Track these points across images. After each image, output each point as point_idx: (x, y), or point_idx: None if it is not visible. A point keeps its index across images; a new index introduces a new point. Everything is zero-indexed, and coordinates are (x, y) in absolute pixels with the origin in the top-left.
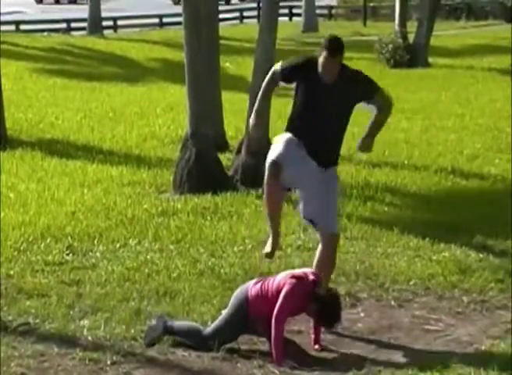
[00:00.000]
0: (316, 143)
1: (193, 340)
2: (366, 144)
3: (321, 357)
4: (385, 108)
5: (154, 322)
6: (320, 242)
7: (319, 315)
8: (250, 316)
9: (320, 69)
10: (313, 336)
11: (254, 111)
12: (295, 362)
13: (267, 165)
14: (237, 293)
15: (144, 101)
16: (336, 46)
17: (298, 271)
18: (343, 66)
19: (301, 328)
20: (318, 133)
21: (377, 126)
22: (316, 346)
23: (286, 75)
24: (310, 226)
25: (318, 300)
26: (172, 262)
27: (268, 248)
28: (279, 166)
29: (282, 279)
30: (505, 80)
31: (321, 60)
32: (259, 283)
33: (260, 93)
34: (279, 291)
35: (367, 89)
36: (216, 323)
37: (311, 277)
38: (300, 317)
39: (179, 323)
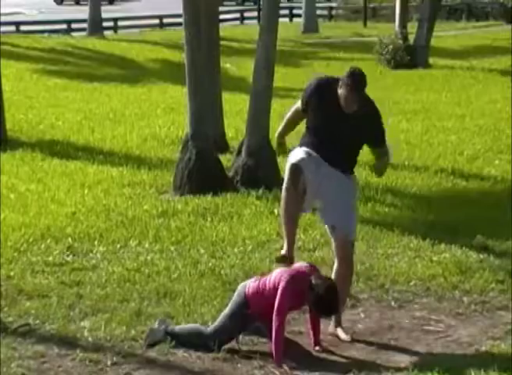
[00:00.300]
0: (331, 155)
1: (195, 341)
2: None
3: (322, 358)
4: (379, 168)
5: (155, 325)
6: (334, 251)
7: (316, 304)
8: (250, 313)
9: (340, 99)
10: (313, 337)
11: (277, 133)
12: (296, 363)
13: (287, 168)
14: (237, 291)
15: (144, 102)
16: (359, 81)
17: (293, 266)
18: (366, 97)
19: (302, 329)
20: (333, 148)
21: (388, 156)
22: (317, 347)
23: (305, 109)
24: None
25: (314, 289)
26: (173, 263)
27: (282, 252)
28: (299, 169)
29: (277, 275)
30: (505, 81)
31: (341, 91)
32: (257, 281)
33: (285, 118)
34: (275, 287)
35: (374, 137)
36: (216, 322)
37: (306, 269)
38: (301, 318)
39: (181, 327)
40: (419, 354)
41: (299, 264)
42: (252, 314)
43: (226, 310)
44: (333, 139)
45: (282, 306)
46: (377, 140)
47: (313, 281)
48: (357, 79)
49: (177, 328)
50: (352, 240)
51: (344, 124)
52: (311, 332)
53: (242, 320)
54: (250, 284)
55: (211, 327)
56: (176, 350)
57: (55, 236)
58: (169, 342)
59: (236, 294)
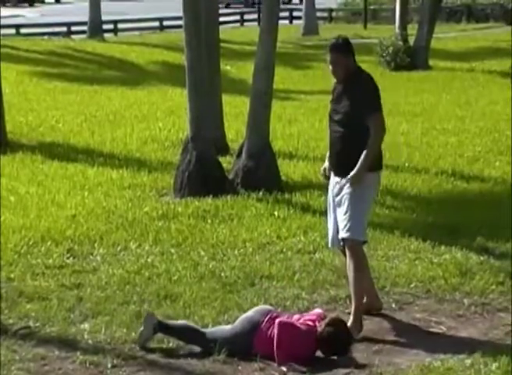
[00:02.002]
0: (331, 148)
1: (191, 336)
2: (355, 178)
3: (323, 358)
4: (373, 135)
5: (142, 326)
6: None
7: (329, 349)
8: (254, 350)
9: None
10: None
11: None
12: (296, 364)
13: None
14: (246, 320)
15: (144, 105)
16: (333, 44)
17: (308, 315)
18: (357, 70)
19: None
20: (331, 137)
21: (366, 155)
22: None
23: None
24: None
25: (323, 337)
26: (173, 265)
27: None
28: None
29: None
30: (505, 83)
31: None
32: (271, 327)
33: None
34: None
35: (364, 105)
36: (218, 335)
37: (314, 326)
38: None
39: (174, 323)
40: (419, 355)
41: (313, 313)
42: (256, 351)
43: (232, 330)
44: (331, 126)
45: (292, 325)
46: (364, 107)
47: (319, 330)
48: (335, 42)
49: (170, 322)
50: (359, 240)
51: (339, 104)
52: None
53: (244, 350)
54: (264, 324)
55: (212, 333)
56: (176, 352)
57: (56, 238)
58: (169, 343)
59: (243, 322)
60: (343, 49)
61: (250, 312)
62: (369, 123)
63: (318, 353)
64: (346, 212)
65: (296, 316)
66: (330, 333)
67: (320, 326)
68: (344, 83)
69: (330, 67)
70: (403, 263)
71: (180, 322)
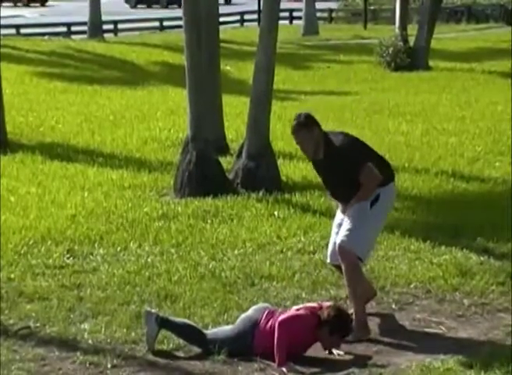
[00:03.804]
0: (338, 197)
1: (191, 335)
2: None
3: (323, 359)
4: (364, 185)
5: (145, 326)
6: None
7: (334, 333)
8: (256, 350)
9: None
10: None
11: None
12: (296, 364)
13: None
14: (246, 320)
15: (144, 105)
16: (294, 125)
17: (305, 305)
18: (327, 138)
19: None
20: (335, 190)
21: (358, 196)
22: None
23: None
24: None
25: (326, 321)
26: (173, 265)
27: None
28: None
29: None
30: (505, 83)
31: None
32: (270, 321)
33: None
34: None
35: (350, 167)
36: (219, 336)
37: (316, 309)
38: None
39: (174, 319)
40: (419, 355)
41: (310, 304)
42: (258, 351)
43: (233, 331)
44: (330, 184)
45: (292, 318)
46: (353, 167)
47: (321, 315)
48: (295, 123)
49: (171, 319)
50: (352, 250)
51: (329, 174)
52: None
53: (245, 351)
54: (263, 320)
55: (213, 334)
56: (176, 352)
57: (56, 238)
58: (169, 343)
59: (242, 320)
60: (305, 125)
61: (249, 311)
62: (360, 177)
63: (318, 353)
64: (348, 223)
65: (295, 307)
66: (333, 313)
67: (322, 312)
68: (322, 156)
69: (299, 147)
70: (403, 263)
71: (179, 319)
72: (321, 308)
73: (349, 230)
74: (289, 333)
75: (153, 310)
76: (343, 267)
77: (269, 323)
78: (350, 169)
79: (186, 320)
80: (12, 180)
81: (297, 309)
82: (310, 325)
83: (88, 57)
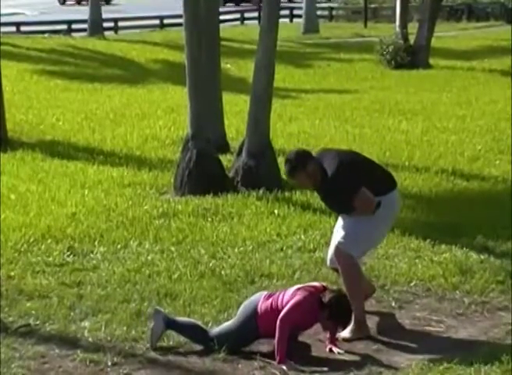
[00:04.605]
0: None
1: (196, 335)
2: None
3: (323, 358)
4: (358, 211)
5: (152, 322)
6: None
7: (330, 315)
8: (260, 333)
9: None
10: (328, 335)
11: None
12: (296, 363)
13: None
14: (246, 306)
15: (144, 103)
16: (288, 168)
17: (307, 285)
18: (321, 171)
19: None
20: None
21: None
22: (329, 346)
23: None
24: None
25: (326, 304)
26: (173, 263)
27: (346, 334)
28: None
29: (291, 293)
30: (506, 82)
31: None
32: (269, 300)
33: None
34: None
35: (345, 196)
36: (223, 330)
37: (318, 290)
38: None
39: (181, 318)
40: (419, 354)
41: (312, 284)
42: (262, 333)
43: (234, 322)
44: (329, 207)
45: (291, 311)
46: (346, 198)
47: (323, 298)
48: (288, 164)
49: (178, 319)
50: (348, 251)
51: (323, 197)
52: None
53: (251, 337)
54: (262, 302)
55: (217, 332)
56: (176, 350)
57: (56, 236)
58: (169, 341)
59: (243, 308)
60: (299, 166)
61: (246, 302)
62: (354, 204)
63: (318, 353)
64: (348, 227)
65: (296, 286)
66: (334, 300)
67: (324, 296)
68: (320, 187)
69: (298, 185)
70: (403, 262)
71: (186, 319)
72: (324, 290)
73: (347, 233)
74: (291, 324)
75: (161, 311)
76: (339, 269)
77: (269, 301)
78: (344, 198)
79: (192, 320)
80: (12, 177)
81: (298, 288)
82: (311, 308)
83: (88, 55)
